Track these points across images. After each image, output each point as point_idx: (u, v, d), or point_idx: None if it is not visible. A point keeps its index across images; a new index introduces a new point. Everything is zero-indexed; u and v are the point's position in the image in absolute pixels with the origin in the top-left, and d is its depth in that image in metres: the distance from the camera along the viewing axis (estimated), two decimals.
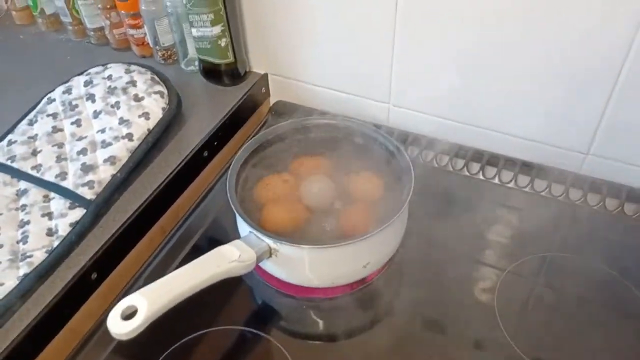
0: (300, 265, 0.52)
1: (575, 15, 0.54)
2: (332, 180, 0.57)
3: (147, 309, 0.42)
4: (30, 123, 0.65)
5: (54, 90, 0.68)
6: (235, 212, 0.51)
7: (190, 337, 0.52)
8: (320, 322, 0.55)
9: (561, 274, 0.56)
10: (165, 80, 0.68)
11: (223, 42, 0.69)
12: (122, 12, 0.75)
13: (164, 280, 0.45)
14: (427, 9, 0.60)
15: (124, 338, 0.42)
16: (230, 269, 0.48)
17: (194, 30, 0.69)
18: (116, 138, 0.61)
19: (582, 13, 0.53)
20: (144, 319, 0.42)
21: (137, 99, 0.64)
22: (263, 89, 0.77)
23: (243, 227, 0.53)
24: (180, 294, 0.45)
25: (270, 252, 0.51)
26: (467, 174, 0.66)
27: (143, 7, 0.72)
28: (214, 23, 0.67)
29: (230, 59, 0.71)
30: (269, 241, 0.50)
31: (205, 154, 0.67)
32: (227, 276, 0.48)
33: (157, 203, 0.61)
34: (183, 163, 0.64)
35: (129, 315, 0.42)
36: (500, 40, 0.59)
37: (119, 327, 0.42)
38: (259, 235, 0.50)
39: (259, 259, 0.50)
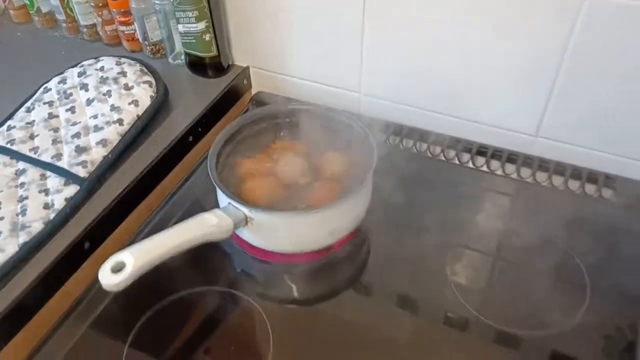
0: (273, 232, 0.58)
1: (522, 11, 0.60)
2: (305, 160, 0.63)
3: (134, 264, 0.48)
4: (28, 110, 0.71)
5: (49, 80, 0.74)
6: (215, 185, 0.57)
7: (172, 297, 0.57)
8: (293, 286, 0.61)
9: (512, 244, 0.62)
10: (153, 72, 0.74)
11: (207, 37, 0.75)
12: (113, 9, 0.81)
13: (150, 240, 0.51)
14: (392, 2, 0.67)
15: (113, 289, 0.48)
16: (209, 234, 0.54)
17: (180, 26, 0.75)
18: (108, 123, 0.67)
19: (527, 9, 0.60)
20: (130, 272, 0.48)
21: (127, 87, 0.70)
22: (245, 80, 0.83)
23: (222, 199, 0.58)
24: (163, 253, 0.50)
25: (246, 220, 0.57)
26: (429, 155, 0.73)
27: (133, 5, 0.78)
28: (198, 19, 0.73)
29: (214, 52, 0.77)
30: (244, 210, 0.56)
31: (190, 139, 0.73)
32: (206, 240, 0.54)
33: (144, 182, 0.67)
34: (169, 147, 0.70)
35: (118, 269, 0.48)
36: (458, 33, 0.65)
37: (108, 279, 0.47)
38: (236, 204, 0.56)
39: (236, 226, 0.56)
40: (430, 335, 0.54)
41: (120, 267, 0.48)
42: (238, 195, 0.59)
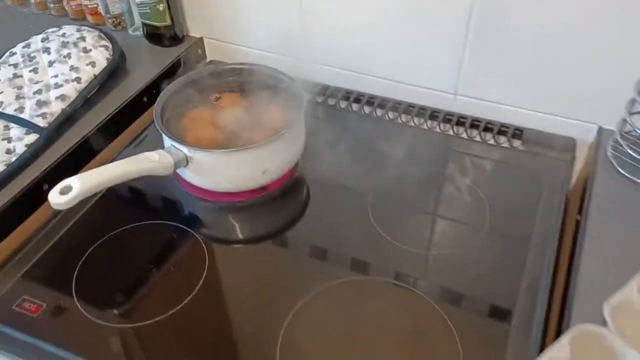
0: (210, 171, 0.65)
1: None
2: (245, 112, 0.71)
3: (79, 188, 0.55)
4: None
5: (15, 46, 0.81)
6: (158, 128, 0.64)
7: (122, 228, 0.64)
8: (233, 223, 0.68)
9: (430, 184, 0.70)
10: (110, 38, 0.81)
11: (161, 7, 0.82)
12: None
13: (96, 169, 0.58)
14: None
15: (61, 208, 0.55)
16: (151, 168, 0.61)
17: None
18: (67, 81, 0.74)
19: None
20: (76, 194, 0.55)
21: (86, 50, 0.77)
22: (199, 50, 0.90)
23: (166, 141, 0.65)
24: (107, 180, 0.58)
25: (186, 160, 0.64)
26: (363, 113, 0.80)
27: None
28: None
29: (168, 22, 0.84)
30: (184, 149, 0.63)
31: (145, 99, 0.80)
32: (148, 173, 0.61)
33: (101, 135, 0.74)
34: (124, 104, 0.77)
35: (65, 192, 0.55)
36: (387, 4, 0.73)
37: (57, 199, 0.54)
38: (177, 145, 0.63)
39: (177, 165, 0.63)
40: (357, 264, 0.61)
41: (68, 190, 0.55)
42: (181, 140, 0.66)
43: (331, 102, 0.82)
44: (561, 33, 0.67)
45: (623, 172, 0.65)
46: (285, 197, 0.69)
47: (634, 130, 0.64)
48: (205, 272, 0.60)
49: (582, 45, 0.67)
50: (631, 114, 0.64)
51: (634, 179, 0.64)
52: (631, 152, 0.64)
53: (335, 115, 0.81)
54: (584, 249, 0.57)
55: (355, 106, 0.81)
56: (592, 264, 0.56)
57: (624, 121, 0.65)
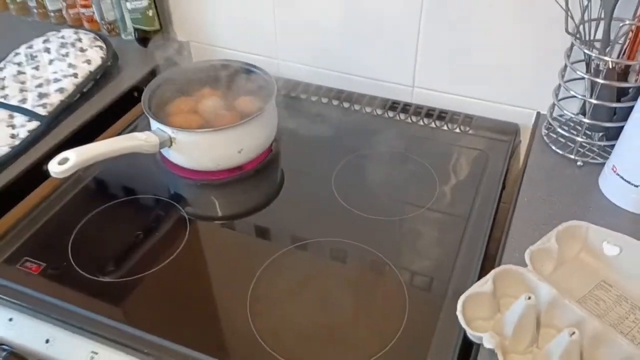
0: (192, 151, 0.73)
1: None
2: (221, 101, 0.80)
3: (75, 159, 0.64)
4: (0, 69, 0.87)
5: (19, 47, 0.90)
6: (145, 112, 0.73)
7: (111, 202, 0.73)
8: (212, 199, 0.76)
9: (388, 161, 0.79)
10: (104, 39, 0.91)
11: (150, 13, 0.92)
12: None
13: (90, 144, 0.66)
14: None
15: (59, 176, 0.63)
16: (139, 145, 0.70)
17: (128, 4, 0.92)
18: (65, 76, 0.83)
19: None
20: (72, 165, 0.63)
21: (82, 50, 0.87)
22: (186, 52, 1.00)
23: (153, 125, 0.74)
24: (99, 154, 0.66)
25: (170, 141, 0.72)
26: (333, 104, 0.89)
27: None
28: None
29: (157, 26, 0.94)
30: (168, 130, 0.72)
31: (135, 94, 0.89)
32: (136, 150, 0.70)
33: (95, 124, 0.83)
34: (117, 98, 0.86)
35: (63, 162, 0.63)
36: (347, 9, 0.83)
37: (55, 168, 0.63)
38: (162, 127, 0.72)
39: (162, 144, 0.72)
40: (320, 229, 0.70)
41: (65, 161, 0.63)
42: (165, 122, 0.74)
43: (303, 96, 0.91)
44: (499, 33, 0.76)
45: (554, 149, 0.74)
46: (260, 176, 0.78)
47: (563, 112, 0.73)
48: (186, 238, 0.68)
49: (517, 45, 0.76)
50: (559, 99, 0.73)
51: (563, 153, 0.73)
52: (561, 131, 0.73)
53: (305, 107, 0.90)
54: (515, 211, 0.66)
55: (324, 99, 0.90)
56: (521, 223, 0.64)
57: (554, 105, 0.74)
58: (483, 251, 0.65)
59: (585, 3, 0.64)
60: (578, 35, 0.66)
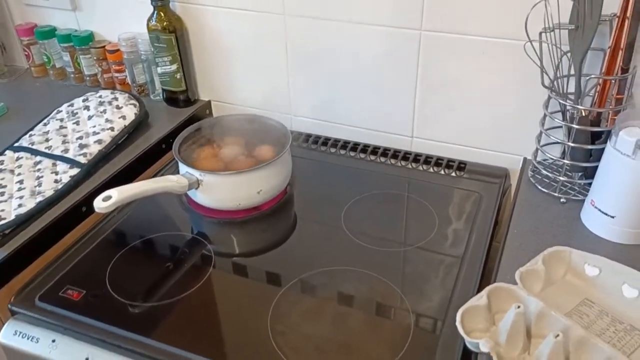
0: (216, 191, 0.82)
1: (376, 46, 0.90)
2: (241, 149, 0.89)
3: (117, 196, 0.72)
4: (45, 125, 0.97)
5: (61, 106, 1.01)
6: (176, 157, 0.83)
7: (144, 238, 0.81)
8: (232, 237, 0.84)
9: (389, 200, 0.87)
10: (137, 99, 1.02)
11: (178, 76, 1.04)
12: (111, 60, 1.10)
13: (130, 184, 0.75)
14: (304, 58, 0.97)
15: (103, 211, 0.72)
16: (170, 186, 0.79)
17: (158, 69, 1.04)
18: (103, 130, 0.93)
19: (379, 43, 0.90)
20: (114, 201, 0.72)
21: (118, 107, 0.98)
22: (207, 110, 1.11)
23: (182, 169, 0.83)
24: (138, 192, 0.75)
25: (198, 183, 0.81)
26: (340, 154, 0.99)
27: (125, 57, 1.08)
28: (171, 62, 1.02)
29: (183, 87, 1.06)
30: (196, 174, 0.81)
31: (163, 146, 1.00)
32: (168, 190, 0.79)
33: (128, 172, 0.92)
34: (147, 149, 0.96)
35: (107, 199, 0.72)
36: (350, 70, 0.95)
37: (100, 204, 0.71)
38: (191, 171, 0.81)
39: (190, 186, 0.81)
40: (330, 258, 0.77)
41: (108, 198, 0.72)
42: (194, 167, 0.84)
43: (314, 146, 1.01)
44: (487, 88, 0.87)
45: (540, 188, 0.82)
46: (276, 215, 0.86)
47: (545, 156, 0.82)
48: (211, 268, 0.76)
49: (503, 99, 0.87)
50: (541, 145, 0.83)
51: (548, 192, 0.81)
52: (545, 172, 0.83)
53: (316, 156, 1.00)
54: (507, 241, 0.74)
55: (332, 149, 1.00)
56: (512, 250, 0.72)
57: (537, 150, 0.84)
58: (480, 273, 0.72)
59: (557, 62, 0.75)
60: (553, 88, 0.77)
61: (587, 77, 0.73)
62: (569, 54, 0.74)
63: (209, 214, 0.85)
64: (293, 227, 0.84)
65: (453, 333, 0.63)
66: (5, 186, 0.84)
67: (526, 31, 0.72)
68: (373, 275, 0.74)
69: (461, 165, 0.94)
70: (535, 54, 0.74)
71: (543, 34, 0.73)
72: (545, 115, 0.80)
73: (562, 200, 0.80)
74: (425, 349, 0.63)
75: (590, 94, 0.77)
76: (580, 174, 0.81)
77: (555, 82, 0.77)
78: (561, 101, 0.76)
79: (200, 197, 0.83)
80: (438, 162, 0.95)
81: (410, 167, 0.95)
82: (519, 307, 0.57)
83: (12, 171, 0.88)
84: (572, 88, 0.77)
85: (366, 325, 0.67)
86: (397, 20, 0.87)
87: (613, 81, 0.73)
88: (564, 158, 0.80)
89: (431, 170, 0.94)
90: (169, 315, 0.69)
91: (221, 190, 0.82)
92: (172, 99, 1.08)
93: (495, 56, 0.84)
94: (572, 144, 0.77)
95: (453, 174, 0.93)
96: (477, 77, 0.87)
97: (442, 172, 0.94)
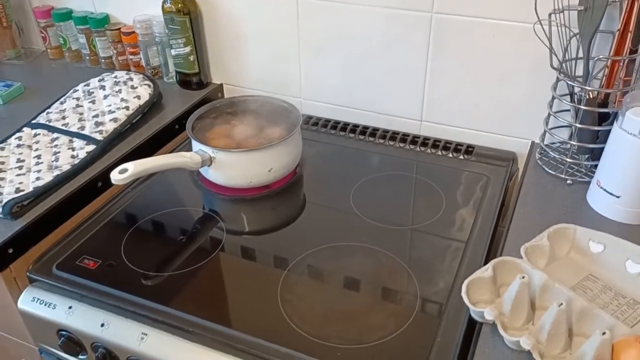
0: (228, 168, 0.84)
1: (387, 30, 0.92)
2: (253, 129, 0.91)
3: (133, 169, 0.74)
4: (61, 103, 1.00)
5: (77, 85, 1.03)
6: (189, 135, 0.85)
7: (157, 213, 0.83)
8: (245, 213, 0.86)
9: (399, 182, 0.89)
10: (151, 79, 1.04)
11: (191, 58, 1.06)
12: (126, 43, 1.12)
13: (145, 158, 0.77)
14: (315, 42, 0.98)
15: (119, 183, 0.74)
16: (184, 162, 0.81)
17: (172, 51, 1.06)
18: (118, 109, 0.96)
19: (389, 27, 0.91)
20: (130, 174, 0.74)
21: (133, 87, 1.00)
22: (220, 93, 1.13)
23: (195, 146, 0.85)
24: (153, 167, 0.77)
25: (210, 160, 0.83)
26: (350, 137, 1.01)
27: (140, 39, 1.09)
28: (185, 44, 1.04)
29: (196, 70, 1.08)
30: (209, 151, 0.83)
31: (177, 127, 1.02)
32: (181, 166, 0.81)
33: (142, 150, 0.94)
34: (161, 128, 0.98)
35: (123, 172, 0.74)
36: (361, 53, 0.96)
37: (116, 176, 0.73)
38: (204, 148, 0.83)
39: (203, 163, 0.83)
40: (339, 235, 0.79)
41: (125, 171, 0.74)
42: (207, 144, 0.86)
43: (323, 129, 1.03)
44: (496, 72, 0.89)
45: (547, 169, 0.83)
46: (286, 194, 0.88)
47: (553, 139, 0.84)
48: (223, 242, 0.78)
49: (512, 82, 0.88)
50: (549, 127, 0.84)
51: (555, 173, 0.82)
52: (553, 154, 0.84)
53: (325, 138, 1.01)
54: (513, 220, 0.75)
55: (341, 132, 1.02)
56: (518, 229, 0.73)
57: (545, 132, 0.85)
58: (486, 250, 0.74)
59: (566, 44, 0.76)
60: (562, 70, 0.78)
61: (595, 58, 0.74)
62: (578, 36, 0.75)
63: (220, 191, 0.87)
64: (302, 206, 0.86)
65: (458, 304, 0.65)
66: (23, 160, 0.86)
67: (536, 12, 0.73)
68: (380, 250, 0.75)
69: (469, 149, 0.95)
70: (545, 35, 0.75)
71: (552, 15, 0.74)
72: (553, 98, 0.81)
73: (568, 182, 0.81)
74: (431, 320, 0.65)
75: (598, 77, 0.78)
76: (587, 155, 0.82)
77: (564, 64, 0.78)
78: (569, 83, 0.77)
79: (213, 174, 0.85)
80: (446, 145, 0.96)
81: (418, 150, 0.97)
82: (523, 277, 0.58)
83: (29, 147, 0.90)
84: (580, 71, 0.78)
85: (373, 296, 0.68)
86: (408, 3, 0.89)
87: (621, 63, 0.74)
88: (571, 140, 0.81)
89: (439, 153, 0.96)
90: (182, 284, 0.71)
91: (233, 167, 0.84)
92: (185, 81, 1.10)
93: (505, 39, 0.85)
94: (580, 125, 0.78)
95: (461, 157, 0.94)
96: (487, 60, 0.88)
97: (450, 155, 0.95)
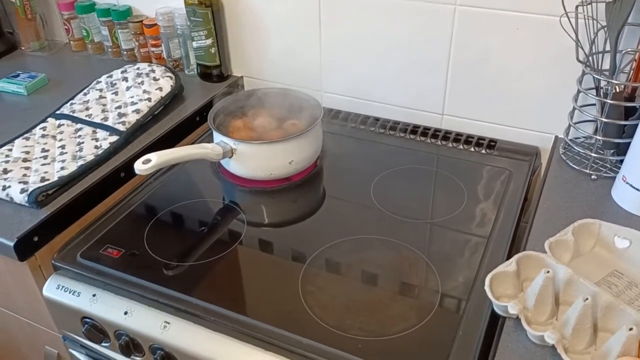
0: (250, 160, 0.84)
1: (409, 22, 0.91)
2: (274, 121, 0.91)
3: (156, 160, 0.75)
4: (85, 94, 1.01)
5: (100, 77, 1.04)
6: (211, 127, 0.85)
7: (179, 204, 0.83)
8: (266, 204, 0.86)
9: (420, 176, 0.88)
10: (173, 72, 1.04)
11: (213, 50, 1.06)
12: (148, 35, 1.13)
13: (169, 149, 0.78)
14: (336, 35, 0.98)
15: (142, 173, 0.75)
16: (205, 153, 0.81)
17: (194, 43, 1.06)
18: (140, 100, 0.96)
19: (412, 19, 0.91)
20: (154, 164, 0.75)
21: (155, 79, 1.00)
22: (240, 86, 1.13)
23: (216, 138, 0.86)
24: (176, 157, 0.78)
25: (232, 152, 0.84)
26: (370, 130, 1.00)
27: (162, 31, 1.10)
28: (207, 37, 1.04)
29: (217, 62, 1.08)
30: (230, 142, 0.83)
31: (198, 119, 1.02)
32: (203, 157, 0.82)
33: (164, 141, 0.95)
34: (182, 120, 0.99)
35: (146, 162, 0.75)
36: (383, 45, 0.96)
37: (140, 166, 0.74)
38: (225, 140, 0.84)
39: (224, 154, 0.83)
40: (359, 228, 0.79)
41: (148, 162, 0.75)
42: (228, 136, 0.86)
43: (343, 122, 1.03)
44: (520, 65, 0.88)
45: (572, 165, 0.82)
46: (306, 186, 0.88)
47: (578, 133, 0.82)
48: (244, 233, 0.78)
49: (536, 76, 0.87)
50: (574, 122, 0.83)
51: (579, 168, 0.81)
52: (578, 149, 0.83)
53: (346, 131, 1.01)
54: (536, 215, 0.74)
55: (362, 126, 1.02)
56: (541, 223, 0.73)
57: (569, 127, 0.84)
58: (508, 245, 0.73)
59: (593, 36, 0.75)
60: (588, 63, 0.77)
61: (623, 52, 0.73)
62: (605, 28, 0.74)
63: (241, 183, 0.88)
64: (323, 198, 0.86)
65: (480, 298, 0.65)
66: (48, 150, 0.88)
67: (563, 4, 0.72)
68: (401, 244, 0.75)
69: (491, 144, 0.94)
70: (572, 28, 0.74)
71: (580, 7, 0.73)
72: (579, 92, 0.80)
73: (593, 177, 0.80)
74: (452, 314, 0.65)
75: (626, 70, 0.77)
76: (612, 150, 0.81)
77: (590, 57, 0.76)
78: (596, 76, 0.76)
79: (234, 165, 0.86)
80: (468, 139, 0.95)
81: (439, 144, 0.96)
82: (548, 271, 0.58)
83: (54, 137, 0.91)
84: (606, 64, 0.76)
85: (394, 289, 0.68)
86: None
87: None
88: (596, 135, 0.80)
89: (461, 147, 0.95)
90: (203, 274, 0.72)
91: (254, 159, 0.85)
92: (206, 74, 1.10)
93: (530, 32, 0.84)
94: (606, 120, 0.77)
95: (483, 152, 0.93)
96: (511, 53, 0.87)
97: (472, 149, 0.94)
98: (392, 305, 0.66)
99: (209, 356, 0.65)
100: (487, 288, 0.60)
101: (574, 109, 0.82)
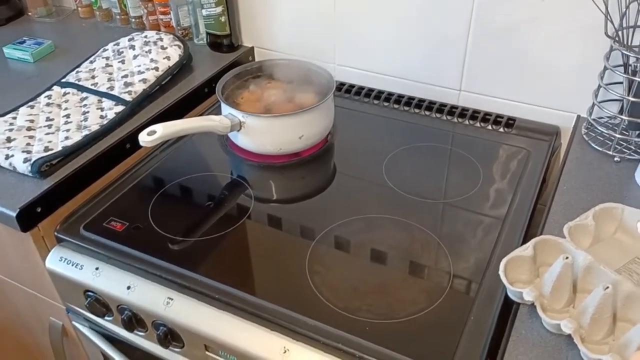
0: (259, 134, 0.82)
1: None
2: (284, 93, 0.88)
3: (162, 131, 0.73)
4: (91, 62, 0.98)
5: (107, 44, 1.02)
6: (219, 100, 0.82)
7: (185, 177, 0.81)
8: (275, 180, 0.84)
9: (434, 152, 0.85)
10: (182, 40, 1.01)
11: (223, 19, 1.02)
12: (156, 2, 1.09)
13: (174, 121, 0.75)
14: (350, 4, 0.94)
15: (147, 145, 0.72)
16: (213, 125, 0.79)
17: (203, 11, 1.03)
18: (148, 69, 0.94)
19: None
20: (159, 136, 0.72)
21: (163, 48, 0.97)
22: (250, 57, 1.10)
23: (224, 110, 0.83)
24: (182, 129, 0.75)
25: (240, 125, 0.81)
26: (384, 105, 0.97)
27: None
28: (217, 4, 1.01)
29: (227, 31, 1.04)
30: (239, 115, 0.80)
31: (206, 90, 0.99)
32: (210, 130, 0.79)
33: (171, 112, 0.92)
34: (190, 91, 0.96)
35: (151, 134, 0.72)
36: (400, 18, 0.91)
37: (145, 138, 0.72)
38: (233, 112, 0.81)
39: (232, 127, 0.81)
40: (370, 207, 0.76)
41: (153, 133, 0.72)
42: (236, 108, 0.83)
43: (356, 97, 0.99)
44: (543, 40, 0.83)
45: (594, 145, 0.79)
46: (317, 162, 0.85)
47: (602, 113, 0.78)
48: (251, 209, 0.76)
49: (559, 51, 0.83)
50: (598, 101, 0.79)
51: (602, 149, 0.78)
52: (601, 129, 0.79)
53: (358, 106, 0.97)
54: (555, 196, 0.71)
55: (375, 101, 0.98)
56: (560, 205, 0.70)
57: (593, 105, 0.80)
58: (525, 228, 0.70)
59: (624, 9, 0.70)
60: (617, 39, 0.72)
61: None
62: (637, 1, 0.69)
63: (249, 157, 0.85)
64: (333, 175, 0.83)
65: (494, 283, 0.62)
66: (52, 119, 0.86)
67: None
68: (413, 224, 0.72)
69: (510, 122, 0.90)
70: (601, 0, 0.70)
71: None
72: (605, 68, 0.76)
73: (616, 159, 0.76)
74: (464, 298, 0.62)
75: None
76: (638, 132, 0.77)
77: (619, 32, 0.72)
78: (625, 52, 0.72)
79: (242, 139, 0.83)
80: (485, 117, 0.92)
81: (455, 121, 0.93)
82: (567, 257, 0.55)
83: (59, 105, 0.89)
84: (637, 40, 0.72)
85: (404, 271, 0.66)
86: None
87: None
88: (621, 115, 0.76)
89: (478, 125, 0.91)
90: (209, 250, 0.70)
91: (263, 133, 0.82)
92: (215, 43, 1.07)
93: (555, 4, 0.79)
94: (633, 99, 0.73)
95: (501, 130, 0.90)
96: (534, 26, 0.83)
97: (490, 127, 0.90)
98: (401, 287, 0.64)
99: (212, 333, 0.63)
100: (501, 273, 0.58)
101: (599, 86, 0.78)
